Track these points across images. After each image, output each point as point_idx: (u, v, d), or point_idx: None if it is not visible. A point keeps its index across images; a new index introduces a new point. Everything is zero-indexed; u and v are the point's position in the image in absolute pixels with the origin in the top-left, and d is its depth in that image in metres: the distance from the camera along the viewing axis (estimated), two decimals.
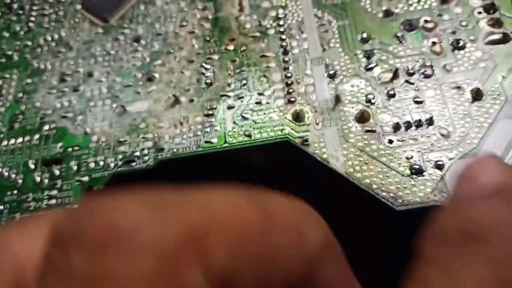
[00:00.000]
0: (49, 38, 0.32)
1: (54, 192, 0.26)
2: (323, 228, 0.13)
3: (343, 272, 0.13)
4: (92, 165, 0.26)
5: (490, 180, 0.13)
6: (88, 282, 0.09)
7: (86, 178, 0.26)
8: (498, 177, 0.13)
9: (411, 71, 0.25)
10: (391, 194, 0.22)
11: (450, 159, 0.23)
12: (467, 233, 0.13)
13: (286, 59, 0.27)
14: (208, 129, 0.26)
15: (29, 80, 0.30)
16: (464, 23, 0.26)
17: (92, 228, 0.09)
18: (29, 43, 0.32)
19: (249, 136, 0.25)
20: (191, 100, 0.27)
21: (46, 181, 0.26)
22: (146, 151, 0.26)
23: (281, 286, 0.11)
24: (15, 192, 0.26)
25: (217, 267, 0.10)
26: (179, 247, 0.09)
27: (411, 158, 0.23)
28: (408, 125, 0.24)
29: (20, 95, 0.30)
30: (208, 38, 0.29)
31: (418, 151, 0.23)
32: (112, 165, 0.26)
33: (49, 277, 0.09)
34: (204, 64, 0.28)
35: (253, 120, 0.26)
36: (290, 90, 0.26)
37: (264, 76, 0.27)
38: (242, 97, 0.26)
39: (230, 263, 0.10)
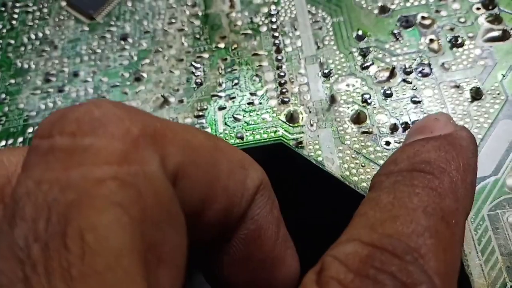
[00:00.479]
0: (33, 37, 0.31)
1: None
2: (262, 172, 0.15)
3: (274, 211, 0.15)
4: None
5: (440, 131, 0.16)
6: (67, 153, 0.10)
7: None
8: (446, 130, 0.16)
9: (408, 70, 0.24)
10: None
11: None
12: (417, 167, 0.15)
13: (279, 57, 0.26)
14: None
15: (12, 81, 0.29)
16: (462, 20, 0.25)
17: (72, 114, 0.11)
18: (12, 41, 0.31)
19: (242, 138, 0.24)
20: (181, 101, 0.26)
21: None
22: None
23: (220, 208, 0.13)
24: None
25: (171, 161, 0.12)
26: (142, 138, 0.11)
27: None
28: (405, 126, 0.23)
29: (3, 96, 0.28)
30: (198, 36, 0.28)
31: None
32: None
33: (32, 159, 0.11)
34: (194, 63, 0.27)
35: (245, 122, 0.25)
36: (284, 90, 0.25)
37: (257, 75, 0.26)
38: (234, 98, 0.26)
39: (181, 162, 0.12)
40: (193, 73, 0.27)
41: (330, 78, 0.25)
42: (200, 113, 0.25)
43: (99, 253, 0.09)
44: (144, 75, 0.27)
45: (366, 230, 0.13)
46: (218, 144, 0.14)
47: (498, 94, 0.23)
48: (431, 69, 0.24)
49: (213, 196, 0.13)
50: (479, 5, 0.26)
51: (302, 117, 0.24)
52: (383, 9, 0.27)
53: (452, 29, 0.25)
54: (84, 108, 0.11)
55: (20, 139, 0.27)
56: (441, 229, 0.13)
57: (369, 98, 0.24)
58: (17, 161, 0.13)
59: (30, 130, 0.27)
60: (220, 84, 0.26)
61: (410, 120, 0.23)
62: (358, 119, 0.23)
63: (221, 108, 0.25)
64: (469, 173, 0.16)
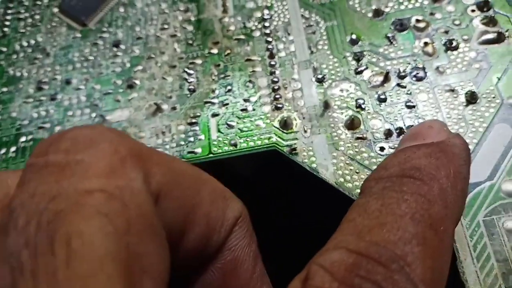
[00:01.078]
0: (25, 44, 0.30)
1: None
2: (242, 205, 0.16)
3: (252, 245, 0.16)
4: None
5: (433, 139, 0.16)
6: (60, 167, 0.11)
7: None
8: (439, 137, 0.16)
9: (403, 74, 0.24)
10: None
11: None
12: (407, 173, 0.15)
13: (273, 63, 0.26)
14: (191, 138, 0.25)
15: (4, 89, 0.29)
16: (457, 22, 0.25)
17: (67, 134, 0.12)
18: (4, 49, 0.30)
19: (235, 145, 0.24)
20: (174, 108, 0.26)
21: None
22: None
23: (200, 233, 0.14)
24: None
25: (154, 180, 0.12)
26: (129, 157, 0.12)
27: None
28: (400, 131, 0.23)
29: None
30: (190, 42, 0.28)
31: None
32: None
33: (28, 175, 0.11)
34: (186, 69, 0.27)
35: (238, 128, 0.24)
36: (277, 96, 0.25)
37: (250, 81, 0.26)
38: (227, 104, 0.25)
39: (164, 182, 0.13)
40: (186, 79, 0.27)
41: (324, 83, 0.25)
42: (193, 120, 0.25)
43: (84, 259, 0.10)
44: (137, 82, 0.27)
45: (353, 237, 0.13)
46: (201, 174, 0.15)
47: (493, 97, 0.23)
48: (425, 73, 0.24)
49: (193, 220, 0.14)
50: (474, 7, 0.25)
51: (296, 123, 0.24)
52: (377, 13, 0.26)
53: (446, 32, 0.25)
54: (79, 130, 0.12)
55: (13, 149, 0.27)
56: (429, 236, 0.13)
57: (363, 103, 0.24)
58: None
59: (23, 139, 0.27)
60: (213, 91, 0.26)
61: (404, 125, 0.23)
62: (352, 124, 0.23)
63: (215, 115, 0.25)
64: (459, 180, 0.15)
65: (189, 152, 0.24)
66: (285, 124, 0.24)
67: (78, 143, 0.12)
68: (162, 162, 0.13)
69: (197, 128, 0.25)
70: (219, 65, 0.27)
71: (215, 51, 0.27)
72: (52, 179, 0.11)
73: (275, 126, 0.24)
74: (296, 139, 0.24)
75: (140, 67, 0.28)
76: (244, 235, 0.15)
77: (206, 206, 0.14)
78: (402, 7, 0.26)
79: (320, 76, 0.25)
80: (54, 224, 0.10)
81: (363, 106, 0.24)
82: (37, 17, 0.31)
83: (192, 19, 0.29)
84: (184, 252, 0.14)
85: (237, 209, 0.15)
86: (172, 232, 0.13)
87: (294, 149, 0.23)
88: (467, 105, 0.23)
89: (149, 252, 0.11)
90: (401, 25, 0.26)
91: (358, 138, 0.23)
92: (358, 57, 0.25)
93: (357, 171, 0.22)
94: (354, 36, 0.26)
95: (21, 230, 0.10)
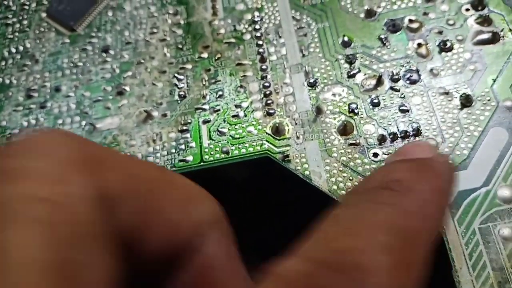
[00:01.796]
0: (13, 50, 0.30)
1: None
2: (217, 207, 0.14)
3: (229, 250, 0.14)
4: None
5: (418, 156, 0.15)
6: (3, 172, 0.11)
7: None
8: (424, 155, 0.15)
9: (396, 77, 0.24)
10: None
11: None
12: (385, 185, 0.14)
13: (264, 67, 0.25)
14: (182, 146, 0.24)
15: None
16: (451, 22, 0.25)
17: (18, 139, 0.12)
18: None
19: (227, 153, 0.24)
20: (164, 115, 0.25)
21: None
22: None
23: (164, 238, 0.13)
24: None
25: (106, 186, 0.12)
26: (77, 162, 0.11)
27: None
28: (394, 137, 0.22)
29: None
30: (180, 46, 0.27)
31: None
32: None
33: None
34: (177, 75, 0.26)
35: (230, 135, 0.24)
36: (269, 101, 0.24)
37: (241, 86, 0.25)
38: (218, 110, 0.25)
39: (118, 188, 0.12)
40: (176, 85, 0.26)
41: (316, 88, 0.24)
42: (184, 127, 0.25)
43: (11, 268, 0.09)
44: (127, 88, 0.27)
45: (316, 245, 0.12)
46: (169, 176, 0.14)
47: (489, 100, 0.22)
48: (419, 75, 0.24)
49: (156, 224, 0.13)
50: (468, 6, 0.25)
51: (288, 129, 0.24)
52: (370, 13, 0.26)
53: (440, 32, 0.24)
54: (31, 134, 0.12)
55: None
56: (401, 246, 0.12)
57: (356, 108, 0.23)
58: None
59: None
60: (204, 97, 0.25)
61: (398, 130, 0.22)
62: (345, 130, 0.23)
63: (206, 122, 0.25)
64: (441, 196, 0.15)
65: (180, 161, 0.24)
66: (277, 131, 0.24)
67: (25, 148, 0.11)
68: (118, 166, 0.12)
69: (188, 135, 0.25)
70: (209, 70, 0.26)
71: (205, 55, 0.27)
72: None
73: (267, 133, 0.24)
74: (289, 145, 0.23)
75: (129, 73, 0.27)
76: (219, 239, 0.14)
77: (171, 210, 0.13)
78: (395, 6, 0.26)
79: (312, 80, 0.24)
80: None
81: (356, 110, 0.23)
82: (25, 22, 0.31)
83: (182, 22, 0.28)
84: (148, 258, 0.13)
85: (210, 212, 0.14)
86: (130, 239, 0.12)
87: (287, 156, 0.23)
88: (462, 109, 0.22)
89: (91, 261, 0.11)
90: (393, 26, 0.25)
91: (351, 144, 0.23)
92: (350, 60, 0.25)
93: (351, 178, 0.22)
94: (346, 38, 0.25)
95: None
